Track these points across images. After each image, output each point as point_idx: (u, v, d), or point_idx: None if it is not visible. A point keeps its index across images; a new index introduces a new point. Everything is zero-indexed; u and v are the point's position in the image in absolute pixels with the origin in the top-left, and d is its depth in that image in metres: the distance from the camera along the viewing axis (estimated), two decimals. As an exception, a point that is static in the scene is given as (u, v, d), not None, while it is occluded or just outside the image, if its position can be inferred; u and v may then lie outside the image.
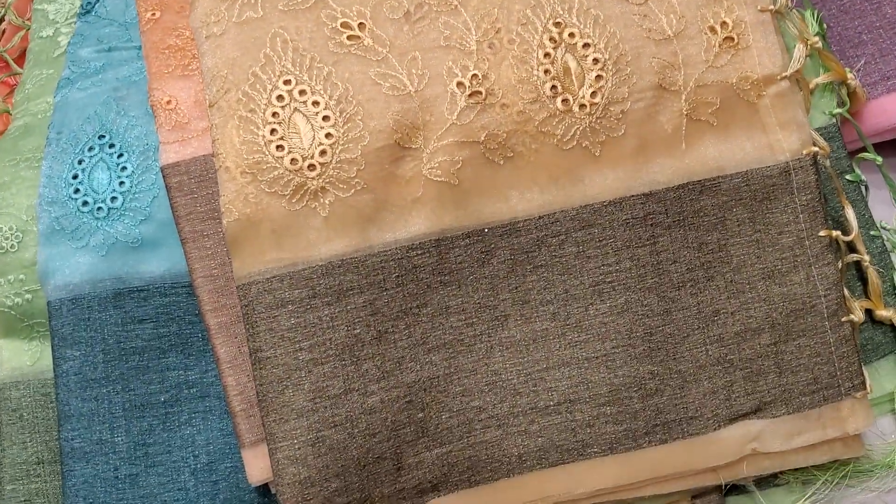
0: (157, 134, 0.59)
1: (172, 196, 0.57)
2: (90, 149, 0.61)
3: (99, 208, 0.59)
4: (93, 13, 0.69)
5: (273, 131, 0.54)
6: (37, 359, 0.61)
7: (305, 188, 0.54)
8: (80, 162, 0.60)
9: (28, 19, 0.77)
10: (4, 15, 0.79)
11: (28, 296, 0.61)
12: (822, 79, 0.61)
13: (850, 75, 0.62)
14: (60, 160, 0.60)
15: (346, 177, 0.54)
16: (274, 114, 0.54)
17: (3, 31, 0.79)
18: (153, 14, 0.63)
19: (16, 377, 0.61)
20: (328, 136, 0.54)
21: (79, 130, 0.62)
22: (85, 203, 0.60)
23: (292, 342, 0.53)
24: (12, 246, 0.61)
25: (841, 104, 0.63)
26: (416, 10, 0.57)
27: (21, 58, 0.76)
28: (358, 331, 0.54)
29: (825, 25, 0.66)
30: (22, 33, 0.77)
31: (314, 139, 0.54)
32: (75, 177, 0.60)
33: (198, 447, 0.59)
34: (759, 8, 0.58)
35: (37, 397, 0.61)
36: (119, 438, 0.58)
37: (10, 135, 0.66)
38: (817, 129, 0.61)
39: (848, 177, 0.63)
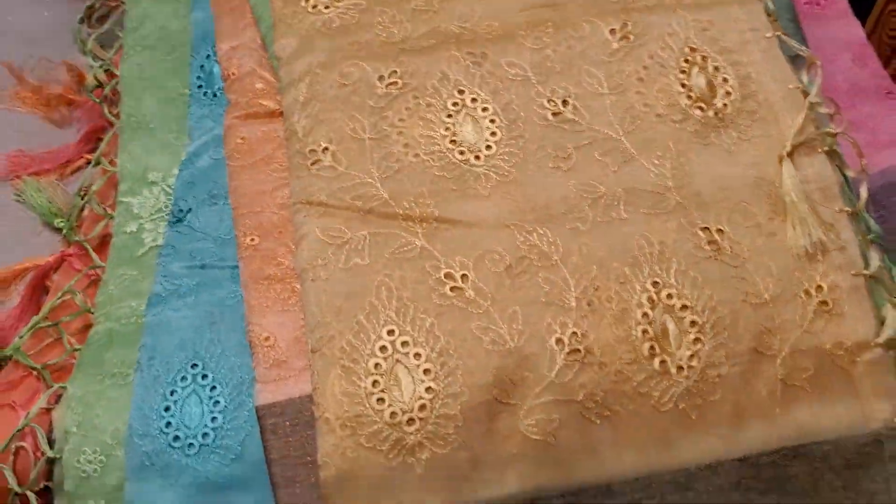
0: (252, 369, 0.58)
1: (266, 439, 0.57)
2: (183, 378, 0.60)
3: (190, 444, 0.58)
4: (185, 223, 0.69)
5: (375, 383, 0.54)
6: None
7: (403, 443, 0.53)
8: (172, 393, 0.59)
9: (110, 207, 0.78)
10: (86, 203, 0.79)
11: None
12: (912, 335, 0.62)
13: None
14: (152, 390, 0.59)
15: (444, 433, 0.54)
16: (376, 365, 0.55)
17: (84, 219, 0.79)
18: (252, 240, 0.64)
19: None
20: (428, 389, 0.54)
21: (171, 357, 0.61)
22: (176, 438, 0.58)
23: None
24: (95, 470, 0.59)
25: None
26: (517, 264, 0.58)
27: (100, 248, 0.76)
28: None
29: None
30: (104, 223, 0.77)
31: (414, 392, 0.54)
32: (167, 409, 0.59)
33: None
34: (852, 272, 0.59)
35: None
36: None
37: (94, 342, 0.65)
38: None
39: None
